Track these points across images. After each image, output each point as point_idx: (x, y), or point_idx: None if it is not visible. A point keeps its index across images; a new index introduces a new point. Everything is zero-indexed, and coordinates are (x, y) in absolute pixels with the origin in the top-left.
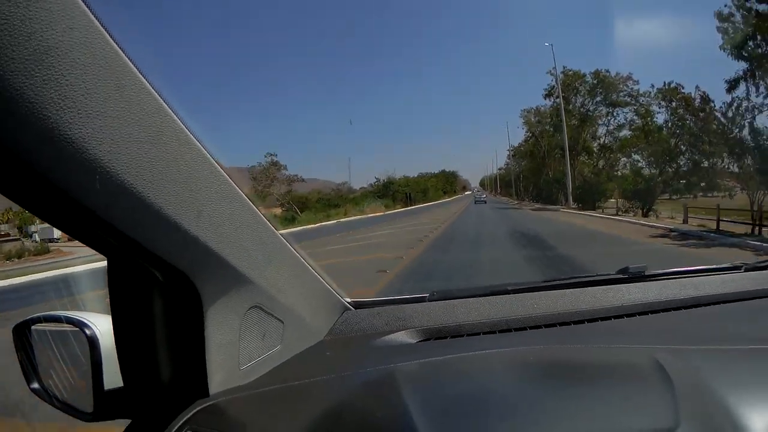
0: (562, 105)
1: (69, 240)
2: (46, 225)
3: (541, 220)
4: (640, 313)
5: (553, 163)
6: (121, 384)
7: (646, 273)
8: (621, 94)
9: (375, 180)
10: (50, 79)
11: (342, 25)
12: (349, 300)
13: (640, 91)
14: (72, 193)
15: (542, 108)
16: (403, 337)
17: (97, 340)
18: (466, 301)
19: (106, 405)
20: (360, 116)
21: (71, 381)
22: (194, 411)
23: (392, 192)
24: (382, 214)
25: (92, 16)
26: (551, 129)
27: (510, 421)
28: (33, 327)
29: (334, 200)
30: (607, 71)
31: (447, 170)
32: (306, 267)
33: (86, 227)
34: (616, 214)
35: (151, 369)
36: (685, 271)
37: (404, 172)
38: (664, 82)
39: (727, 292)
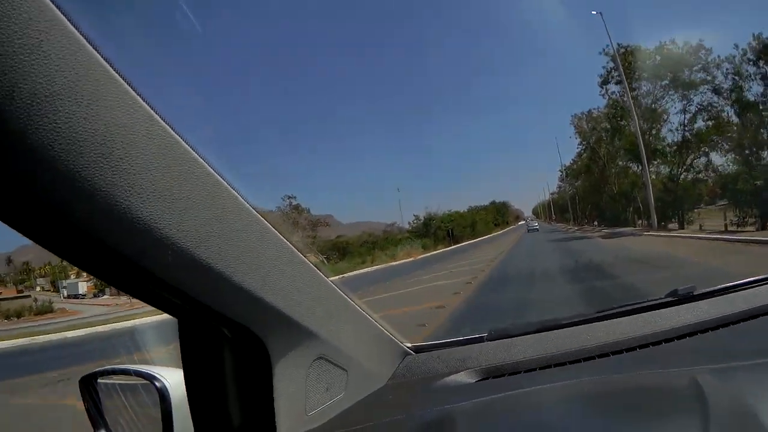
0: (627, 86)
1: (93, 297)
2: (74, 280)
3: (647, 259)
4: (690, 334)
5: (613, 176)
6: None
7: (695, 293)
8: (694, 70)
9: (414, 218)
10: (121, 169)
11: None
12: (409, 345)
13: (718, 60)
14: (156, 272)
15: (595, 112)
16: (462, 377)
17: (168, 391)
18: (522, 339)
19: None
20: (407, 149)
21: (140, 430)
22: None
23: (434, 230)
24: (412, 259)
25: (156, 115)
26: (608, 134)
27: None
28: (99, 380)
29: (381, 243)
30: (673, 42)
31: (497, 201)
32: (364, 316)
33: (159, 293)
34: (726, 230)
35: (222, 418)
36: (734, 286)
37: (455, 207)
38: (754, 36)
39: None
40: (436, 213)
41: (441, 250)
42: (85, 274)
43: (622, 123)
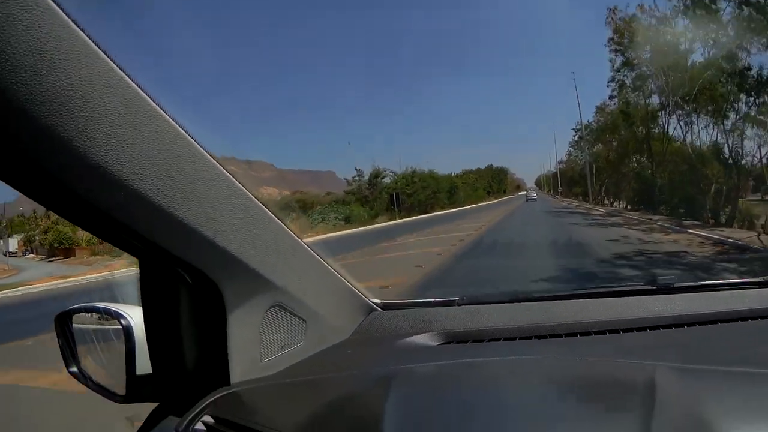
0: None
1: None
2: (5, 239)
3: None
4: (664, 327)
5: (656, 141)
6: (151, 370)
7: (675, 285)
8: None
9: (355, 175)
10: (78, 117)
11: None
12: (377, 301)
13: None
14: (110, 211)
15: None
16: (425, 339)
17: (132, 329)
18: (493, 307)
19: (137, 389)
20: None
21: (106, 366)
22: (214, 397)
23: (379, 193)
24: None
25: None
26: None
27: (486, 428)
28: (74, 316)
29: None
30: None
31: (495, 166)
32: (327, 269)
33: (118, 234)
34: None
35: (177, 358)
36: (717, 285)
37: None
38: None
39: (760, 307)
40: (389, 170)
41: (369, 227)
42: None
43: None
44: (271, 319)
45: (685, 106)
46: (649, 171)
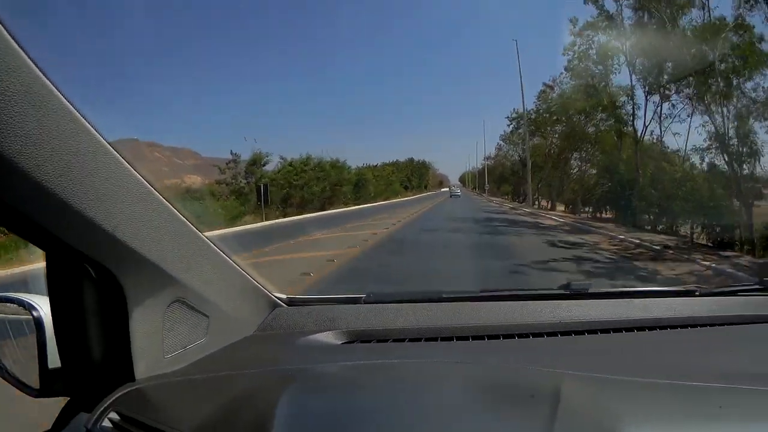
0: None
1: None
2: None
3: None
4: (577, 332)
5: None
6: (60, 364)
7: (591, 291)
8: None
9: (229, 160)
10: None
11: None
12: (282, 296)
13: None
14: (17, 205)
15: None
16: (329, 337)
17: (43, 321)
18: (400, 306)
19: (49, 383)
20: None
21: (20, 359)
22: (119, 394)
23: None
24: None
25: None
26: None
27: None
28: None
29: None
30: None
31: (417, 160)
32: (229, 263)
33: (23, 227)
34: None
35: (84, 353)
36: (633, 292)
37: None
38: None
39: (676, 316)
40: (279, 156)
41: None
42: None
43: None
44: (173, 315)
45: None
46: (625, 169)
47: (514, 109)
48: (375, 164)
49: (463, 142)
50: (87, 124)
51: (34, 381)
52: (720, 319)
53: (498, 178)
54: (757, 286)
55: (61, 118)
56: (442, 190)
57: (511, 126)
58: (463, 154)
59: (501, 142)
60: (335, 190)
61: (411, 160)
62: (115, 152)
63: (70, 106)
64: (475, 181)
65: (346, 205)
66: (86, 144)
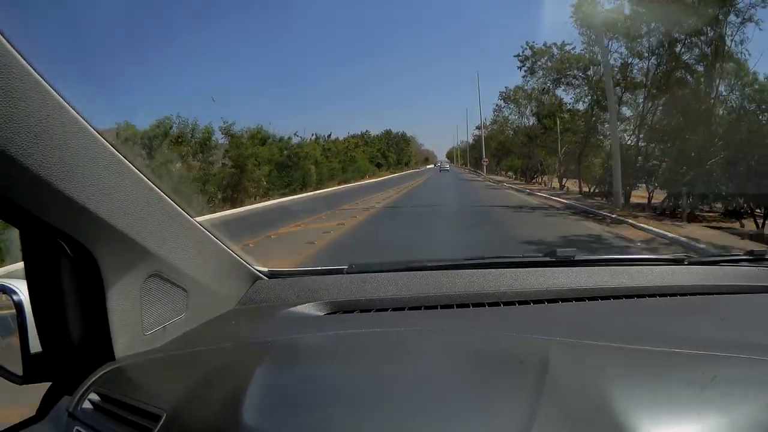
0: None
1: None
2: None
3: None
4: (564, 300)
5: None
6: (41, 349)
7: (576, 258)
8: None
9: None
10: None
11: None
12: (263, 269)
13: None
14: None
15: None
16: (311, 308)
17: (23, 305)
18: (382, 276)
19: (32, 369)
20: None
21: (3, 345)
22: (100, 374)
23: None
24: None
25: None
26: None
27: (355, 405)
28: None
29: None
30: None
31: (395, 132)
32: (207, 235)
33: None
34: None
35: (63, 334)
36: (620, 259)
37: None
38: None
39: (663, 284)
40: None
41: None
42: None
43: None
44: (151, 290)
45: None
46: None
47: (526, 43)
48: (331, 136)
49: (449, 120)
50: (55, 94)
51: (18, 368)
52: (709, 288)
53: (497, 150)
54: (746, 257)
55: (29, 88)
56: (428, 167)
57: (523, 69)
58: (450, 130)
59: (500, 102)
60: (244, 174)
61: (388, 132)
62: (87, 123)
63: (36, 75)
64: (466, 156)
65: (266, 196)
66: (56, 115)
